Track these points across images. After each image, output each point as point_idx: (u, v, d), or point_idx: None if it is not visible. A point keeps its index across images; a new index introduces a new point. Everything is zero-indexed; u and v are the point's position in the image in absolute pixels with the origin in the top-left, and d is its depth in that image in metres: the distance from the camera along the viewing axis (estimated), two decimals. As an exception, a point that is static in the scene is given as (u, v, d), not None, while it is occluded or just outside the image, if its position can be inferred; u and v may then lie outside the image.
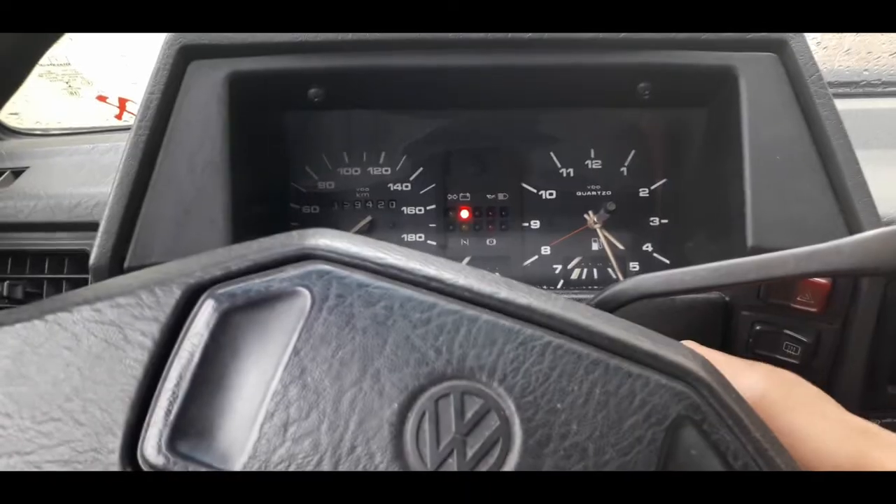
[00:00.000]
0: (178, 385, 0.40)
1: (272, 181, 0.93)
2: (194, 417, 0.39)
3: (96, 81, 1.21)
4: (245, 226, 0.80)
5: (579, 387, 0.41)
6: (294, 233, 0.48)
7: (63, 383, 0.40)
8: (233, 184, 0.74)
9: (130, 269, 0.71)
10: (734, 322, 0.77)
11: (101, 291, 0.46)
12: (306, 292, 0.42)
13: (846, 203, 0.72)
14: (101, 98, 1.15)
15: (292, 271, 0.44)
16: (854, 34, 1.22)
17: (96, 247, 0.69)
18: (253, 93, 0.78)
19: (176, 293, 0.43)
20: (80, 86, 1.22)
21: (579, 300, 0.76)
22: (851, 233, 0.72)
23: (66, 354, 0.41)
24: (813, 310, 0.74)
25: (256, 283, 0.43)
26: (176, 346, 0.41)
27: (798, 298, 0.74)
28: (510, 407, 0.40)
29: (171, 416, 0.39)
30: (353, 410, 0.39)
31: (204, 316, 0.42)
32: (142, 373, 0.40)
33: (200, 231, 0.72)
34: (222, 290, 0.43)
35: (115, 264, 0.70)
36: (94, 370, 0.41)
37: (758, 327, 0.76)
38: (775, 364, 0.78)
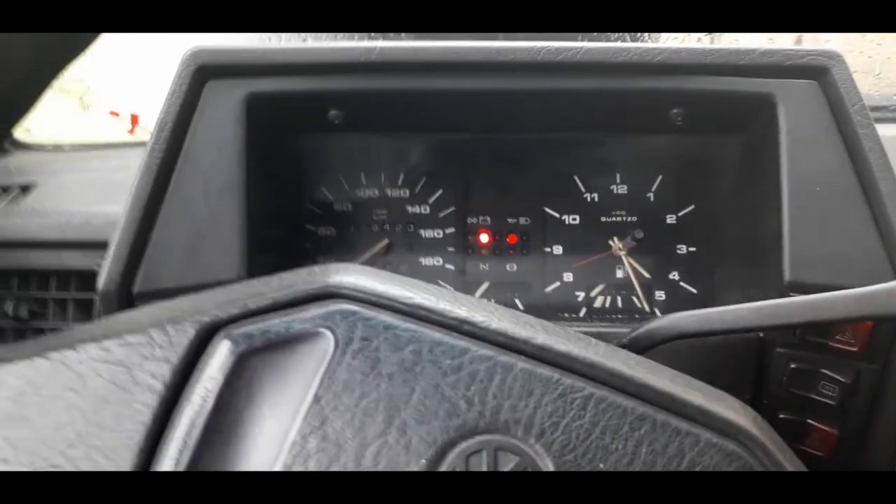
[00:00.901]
0: (188, 433, 0.37)
1: (287, 202, 0.90)
2: (206, 469, 0.36)
3: (108, 97, 1.19)
4: (260, 249, 0.78)
5: (624, 445, 0.38)
6: (316, 268, 0.45)
7: (66, 427, 0.38)
8: (248, 207, 0.71)
9: (140, 296, 0.68)
10: (769, 359, 0.74)
11: (108, 329, 0.43)
12: (329, 334, 0.40)
13: (890, 238, 0.69)
14: (114, 113, 1.14)
15: (315, 311, 0.41)
16: (885, 58, 1.19)
17: (104, 272, 0.66)
18: (271, 114, 0.76)
19: (189, 332, 0.41)
20: (92, 101, 1.20)
21: (611, 334, 0.74)
22: (894, 267, 0.69)
23: (69, 396, 0.39)
24: (853, 349, 0.70)
25: (276, 323, 0.41)
26: (187, 390, 0.39)
27: (837, 337, 0.70)
28: (548, 466, 0.37)
29: (181, 468, 0.36)
30: (377, 466, 0.36)
31: (219, 358, 0.40)
32: (150, 418, 0.38)
33: (214, 256, 0.69)
34: (239, 330, 0.41)
35: (124, 290, 0.67)
36: (100, 414, 0.38)
37: (793, 365, 0.73)
38: (812, 404, 0.75)
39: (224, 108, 0.72)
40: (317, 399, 0.38)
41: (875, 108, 1.22)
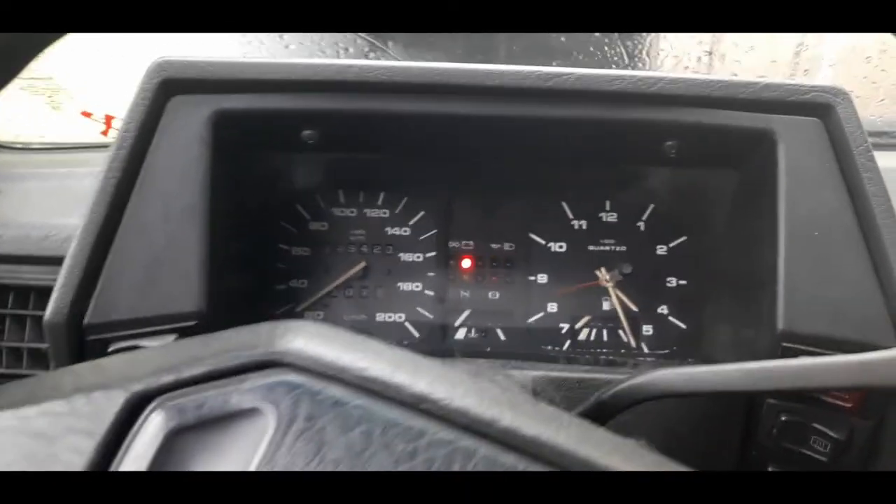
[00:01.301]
0: (109, 520, 0.33)
1: (258, 221, 0.86)
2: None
3: (80, 97, 1.14)
4: (226, 273, 0.73)
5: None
6: (263, 327, 0.41)
7: (-28, 509, 0.33)
8: (211, 232, 0.66)
9: (90, 328, 0.63)
10: (759, 410, 0.70)
11: (29, 392, 0.39)
12: (270, 411, 0.35)
13: (889, 288, 0.65)
14: (86, 114, 1.09)
15: (256, 381, 0.37)
16: (890, 84, 1.15)
17: (52, 302, 0.62)
18: (240, 133, 0.71)
19: (117, 402, 0.37)
20: (63, 101, 1.15)
21: (593, 381, 0.70)
22: (894, 321, 0.65)
23: (-22, 472, 0.34)
24: (847, 405, 0.66)
25: (212, 395, 0.37)
26: (113, 469, 0.34)
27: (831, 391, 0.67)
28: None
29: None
30: (317, 571, 0.32)
31: (147, 434, 0.36)
32: (69, 500, 0.33)
33: (172, 285, 0.65)
34: (172, 402, 0.36)
35: (74, 321, 0.63)
36: (12, 494, 0.34)
37: (784, 418, 0.69)
38: (802, 460, 0.71)
39: (189, 125, 0.67)
40: (253, 489, 0.34)
41: (879, 134, 1.18)
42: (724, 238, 0.82)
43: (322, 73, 0.68)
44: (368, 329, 0.90)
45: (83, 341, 0.64)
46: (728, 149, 0.74)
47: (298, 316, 0.89)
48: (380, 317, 0.90)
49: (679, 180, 0.87)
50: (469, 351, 0.84)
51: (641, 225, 0.90)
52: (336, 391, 0.36)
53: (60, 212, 0.89)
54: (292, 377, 0.37)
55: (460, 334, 0.91)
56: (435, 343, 0.90)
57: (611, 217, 0.90)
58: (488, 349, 0.89)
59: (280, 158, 0.84)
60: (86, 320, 0.63)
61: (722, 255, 0.83)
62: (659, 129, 0.71)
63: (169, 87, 0.67)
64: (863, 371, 0.47)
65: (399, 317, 0.90)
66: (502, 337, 0.91)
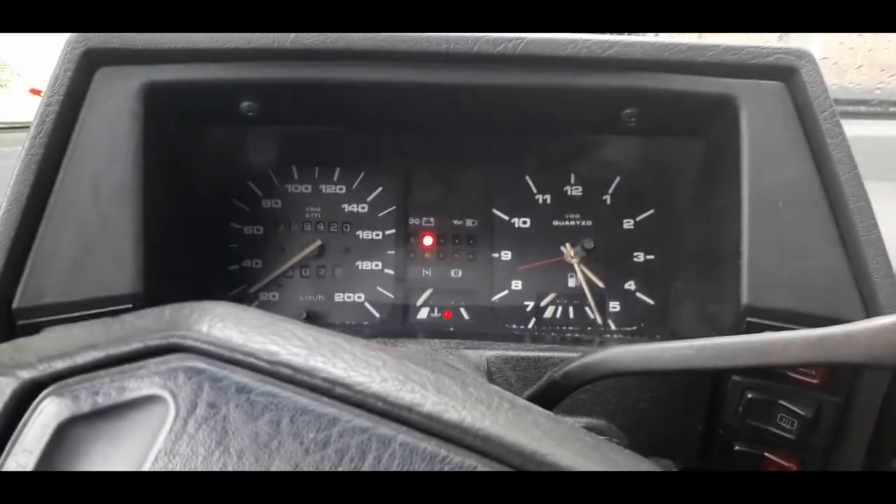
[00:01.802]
0: (-7, 518, 0.30)
1: (208, 200, 0.82)
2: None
3: (29, 74, 1.09)
4: (167, 255, 0.70)
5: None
6: (166, 309, 0.38)
7: None
8: (146, 210, 0.63)
9: (20, 312, 0.60)
10: (724, 388, 0.67)
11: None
12: (169, 399, 0.33)
13: (857, 260, 0.62)
14: (35, 91, 1.04)
15: (156, 367, 0.34)
16: (867, 50, 1.12)
17: None
18: (174, 107, 0.67)
19: (5, 391, 0.34)
20: (10, 78, 1.11)
21: (555, 359, 0.67)
22: (862, 295, 0.62)
23: None
24: (814, 381, 0.64)
25: (107, 382, 0.34)
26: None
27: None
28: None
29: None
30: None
31: (36, 426, 0.34)
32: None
33: (105, 267, 0.61)
34: (65, 390, 0.34)
35: (2, 306, 0.59)
36: None
37: (750, 395, 0.67)
38: (769, 437, 0.69)
39: (118, 98, 0.63)
40: (149, 482, 0.31)
41: (855, 103, 1.15)
42: (691, 211, 0.79)
43: (258, 41, 0.64)
44: (327, 310, 0.87)
45: (13, 326, 0.61)
46: (689, 116, 0.71)
47: (252, 298, 0.86)
48: (338, 297, 0.87)
49: (645, 152, 0.84)
50: (432, 331, 0.81)
51: (607, 198, 0.87)
52: (241, 377, 0.34)
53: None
54: (194, 362, 0.34)
55: (422, 314, 0.88)
56: (396, 323, 0.87)
57: (576, 191, 0.87)
58: (451, 329, 0.86)
59: (226, 133, 0.80)
60: (14, 304, 0.60)
61: (688, 229, 0.80)
62: (616, 95, 0.68)
63: (94, 58, 0.63)
64: (820, 347, 0.45)
65: (358, 297, 0.87)
66: (466, 316, 0.88)
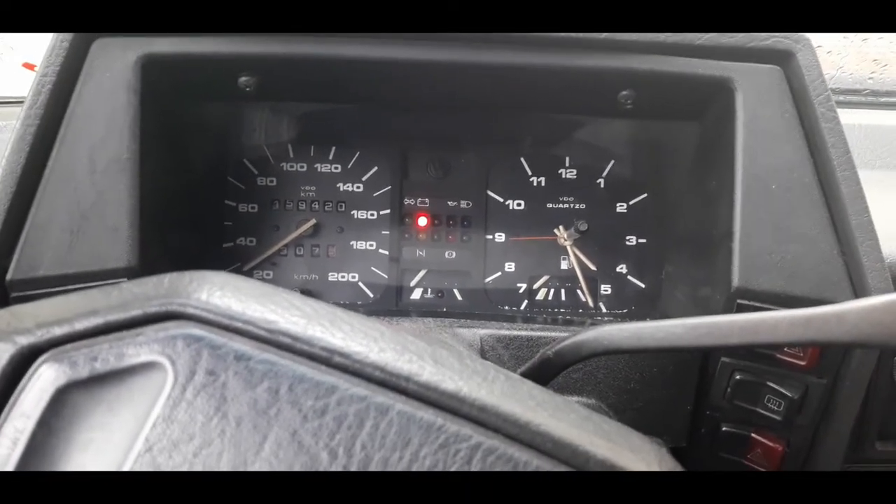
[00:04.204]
0: (-9, 481, 0.30)
1: (204, 176, 0.82)
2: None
3: (22, 48, 1.08)
4: (163, 230, 0.70)
5: (515, 504, 0.32)
6: (165, 278, 0.38)
7: None
8: (143, 185, 0.63)
9: (14, 284, 0.60)
10: (712, 369, 0.68)
11: None
12: (168, 365, 0.33)
13: (848, 245, 0.63)
14: (28, 66, 1.03)
15: (152, 335, 0.34)
16: (860, 40, 1.12)
17: None
18: (171, 79, 0.67)
19: (2, 357, 0.34)
20: (3, 52, 1.09)
21: (547, 339, 0.68)
22: (852, 279, 0.63)
23: None
24: (801, 363, 0.65)
25: (105, 349, 0.34)
26: (-2, 425, 0.32)
27: (786, 349, 0.65)
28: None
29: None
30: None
31: (34, 391, 0.34)
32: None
33: (100, 240, 0.61)
34: (63, 355, 0.34)
35: None
36: None
37: (738, 377, 0.68)
38: (756, 418, 0.70)
39: (115, 71, 0.63)
40: (148, 447, 0.32)
41: (847, 91, 1.16)
42: (684, 195, 0.80)
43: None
44: (321, 289, 0.87)
45: (7, 299, 0.61)
46: (686, 99, 0.71)
47: (247, 275, 0.86)
48: (332, 276, 0.87)
49: (640, 135, 0.85)
50: (425, 312, 0.82)
51: (601, 182, 0.87)
52: (240, 345, 0.34)
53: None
54: (193, 329, 0.34)
55: (416, 294, 0.88)
56: (390, 303, 0.87)
57: (570, 174, 0.87)
58: (444, 310, 0.87)
59: (223, 109, 0.80)
60: (8, 276, 0.60)
61: (681, 213, 0.81)
62: (613, 77, 0.68)
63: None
64: (809, 326, 0.45)
65: (352, 276, 0.87)
66: (459, 297, 0.88)
